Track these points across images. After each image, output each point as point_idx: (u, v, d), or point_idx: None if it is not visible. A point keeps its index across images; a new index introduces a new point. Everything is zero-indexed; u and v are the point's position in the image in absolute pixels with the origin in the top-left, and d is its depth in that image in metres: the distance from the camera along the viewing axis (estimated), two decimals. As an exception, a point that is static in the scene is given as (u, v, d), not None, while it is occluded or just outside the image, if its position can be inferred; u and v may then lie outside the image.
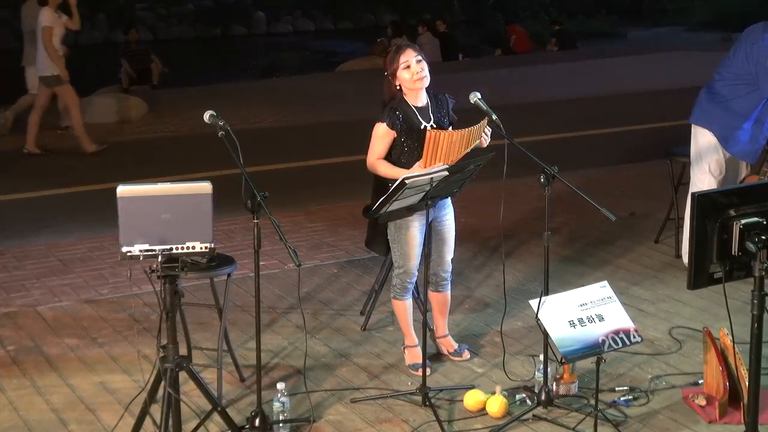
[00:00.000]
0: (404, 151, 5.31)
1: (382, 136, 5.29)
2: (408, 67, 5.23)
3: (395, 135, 5.27)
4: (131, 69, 16.78)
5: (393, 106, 5.29)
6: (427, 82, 5.28)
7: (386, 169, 5.28)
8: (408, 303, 5.52)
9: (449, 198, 5.47)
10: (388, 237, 5.46)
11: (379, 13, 33.57)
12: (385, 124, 5.26)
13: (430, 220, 5.34)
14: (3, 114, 12.74)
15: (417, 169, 5.16)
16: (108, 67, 18.08)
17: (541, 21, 29.18)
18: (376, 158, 5.33)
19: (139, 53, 17.02)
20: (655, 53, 20.41)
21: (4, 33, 28.41)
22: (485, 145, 5.27)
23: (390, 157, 5.33)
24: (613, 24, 31.85)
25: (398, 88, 5.30)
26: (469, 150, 5.20)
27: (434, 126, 5.28)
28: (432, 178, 4.88)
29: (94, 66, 21.70)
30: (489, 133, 5.27)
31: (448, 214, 5.50)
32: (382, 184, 5.25)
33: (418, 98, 5.32)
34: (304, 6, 33.99)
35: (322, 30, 33.22)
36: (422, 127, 5.26)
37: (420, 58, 5.22)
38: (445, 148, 5.15)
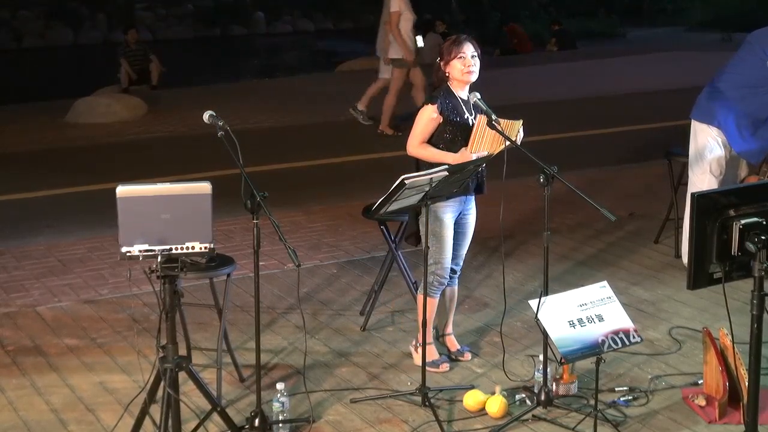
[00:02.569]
0: (445, 138, 5.33)
1: (429, 119, 5.32)
2: (463, 58, 5.28)
3: (441, 121, 5.31)
4: (131, 69, 16.77)
5: (444, 91, 5.35)
6: (475, 77, 5.35)
7: (431, 153, 5.29)
8: (437, 301, 5.50)
9: (473, 195, 5.49)
10: (421, 232, 5.46)
11: (378, 14, 33.52)
12: (435, 106, 5.30)
13: (456, 215, 5.39)
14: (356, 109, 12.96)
15: (464, 153, 5.19)
16: (107, 67, 18.07)
17: (540, 21, 29.16)
18: (419, 142, 5.35)
19: (139, 53, 17.01)
20: (654, 53, 20.40)
21: (2, 33, 28.48)
22: (518, 143, 5.26)
23: (429, 143, 5.37)
24: (613, 24, 31.83)
25: (446, 75, 5.34)
26: (504, 146, 5.20)
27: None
28: (431, 178, 4.88)
29: (93, 66, 21.73)
30: (521, 135, 5.28)
31: (471, 209, 5.52)
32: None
33: (464, 90, 5.37)
34: (304, 6, 33.98)
35: (321, 30, 33.20)
36: (466, 116, 5.31)
37: (475, 54, 5.32)
38: (491, 136, 5.17)
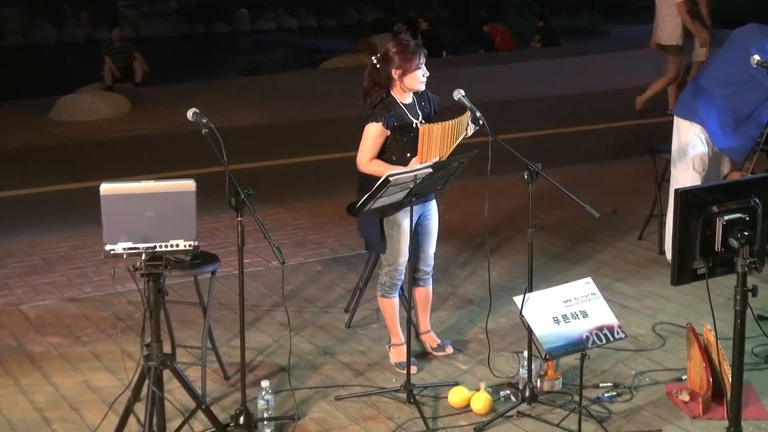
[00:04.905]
0: (396, 150, 5.32)
1: (376, 135, 5.29)
2: (421, 68, 5.28)
3: (388, 134, 5.29)
4: (114, 67, 16.73)
5: (385, 106, 5.30)
6: (424, 86, 5.36)
7: (382, 168, 5.23)
8: (395, 301, 5.52)
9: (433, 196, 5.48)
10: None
11: (362, 11, 33.54)
12: (380, 124, 5.26)
13: (418, 216, 5.37)
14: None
15: (414, 164, 5.18)
16: (91, 65, 18.01)
17: (525, 18, 29.15)
18: (368, 158, 5.32)
19: (123, 51, 16.97)
20: (637, 50, 20.42)
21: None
22: (470, 134, 5.28)
23: (381, 156, 5.34)
24: (597, 21, 31.86)
25: (386, 78, 5.29)
26: (458, 141, 5.22)
27: (423, 121, 5.30)
28: (416, 175, 4.89)
29: (77, 64, 21.66)
30: (473, 127, 5.28)
31: (432, 209, 5.52)
32: (368, 183, 5.17)
33: (408, 96, 5.35)
34: (288, 3, 33.94)
35: (305, 27, 33.15)
36: (413, 124, 5.28)
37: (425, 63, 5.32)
38: (438, 141, 5.18)
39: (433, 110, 5.43)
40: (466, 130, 5.26)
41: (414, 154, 5.24)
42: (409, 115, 5.32)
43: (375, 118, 5.29)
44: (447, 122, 5.20)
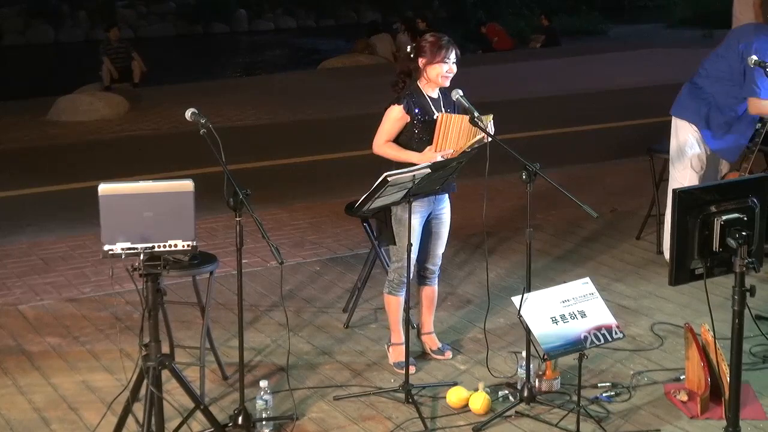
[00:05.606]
0: (414, 138, 5.33)
1: (395, 119, 5.32)
2: (447, 63, 5.30)
3: (408, 120, 5.31)
4: (113, 67, 16.73)
5: (410, 92, 5.34)
6: (448, 83, 5.37)
7: (396, 152, 5.29)
8: (402, 299, 5.50)
9: (447, 194, 5.49)
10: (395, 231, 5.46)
11: (360, 11, 33.56)
12: (401, 106, 5.30)
13: (428, 214, 5.37)
14: None
15: (428, 153, 5.20)
16: (89, 65, 18.00)
17: (524, 18, 29.14)
18: (384, 140, 5.35)
19: (121, 51, 16.97)
20: (636, 50, 20.46)
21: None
22: (486, 140, 5.26)
23: (398, 142, 5.36)
24: (595, 21, 31.88)
25: (421, 73, 5.33)
26: (475, 140, 5.21)
27: None
28: (414, 175, 4.89)
29: (75, 64, 21.64)
30: (492, 129, 5.27)
31: (444, 209, 5.51)
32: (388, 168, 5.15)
33: (434, 90, 5.38)
34: (286, 3, 33.94)
35: (303, 27, 33.17)
36: (435, 116, 5.30)
37: (456, 61, 5.34)
38: (455, 133, 5.20)
39: (456, 112, 5.43)
40: (485, 134, 5.22)
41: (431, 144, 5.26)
42: (433, 108, 5.34)
43: (397, 101, 5.33)
44: (467, 116, 5.21)
